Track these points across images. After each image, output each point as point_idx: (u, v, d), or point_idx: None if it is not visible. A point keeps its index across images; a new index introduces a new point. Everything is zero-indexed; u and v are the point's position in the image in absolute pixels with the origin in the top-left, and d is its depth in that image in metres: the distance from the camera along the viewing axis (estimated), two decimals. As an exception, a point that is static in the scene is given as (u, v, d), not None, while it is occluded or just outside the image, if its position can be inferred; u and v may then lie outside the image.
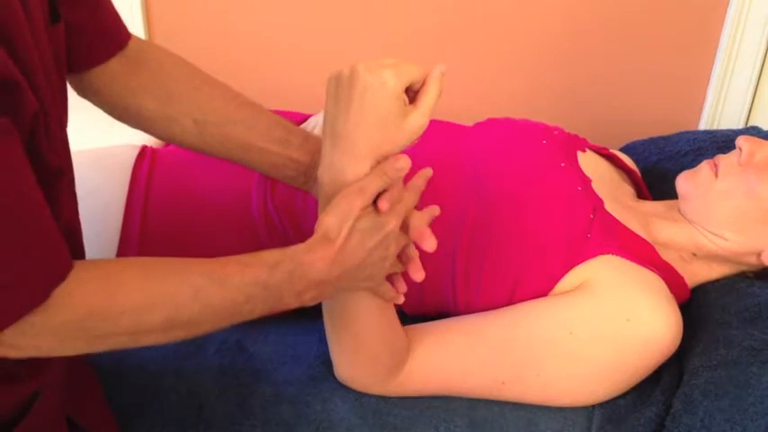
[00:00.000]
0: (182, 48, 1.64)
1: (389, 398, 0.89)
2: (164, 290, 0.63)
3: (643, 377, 0.89)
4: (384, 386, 0.88)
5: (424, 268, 0.95)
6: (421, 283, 0.96)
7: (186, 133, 0.81)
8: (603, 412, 0.89)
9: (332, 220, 0.71)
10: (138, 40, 0.81)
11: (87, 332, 0.60)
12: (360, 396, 0.89)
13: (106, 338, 0.61)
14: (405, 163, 0.73)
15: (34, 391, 0.70)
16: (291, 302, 0.70)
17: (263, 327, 1.00)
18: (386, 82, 0.70)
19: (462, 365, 0.88)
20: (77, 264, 0.59)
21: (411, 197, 0.77)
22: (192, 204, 1.00)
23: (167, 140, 0.85)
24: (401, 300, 0.83)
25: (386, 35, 1.62)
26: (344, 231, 0.71)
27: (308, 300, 0.71)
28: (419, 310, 0.99)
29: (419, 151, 1.02)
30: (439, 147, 1.04)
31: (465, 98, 1.66)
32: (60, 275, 0.57)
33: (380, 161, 0.74)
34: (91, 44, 0.72)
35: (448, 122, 1.12)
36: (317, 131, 1.07)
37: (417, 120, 0.73)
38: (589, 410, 0.89)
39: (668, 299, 0.90)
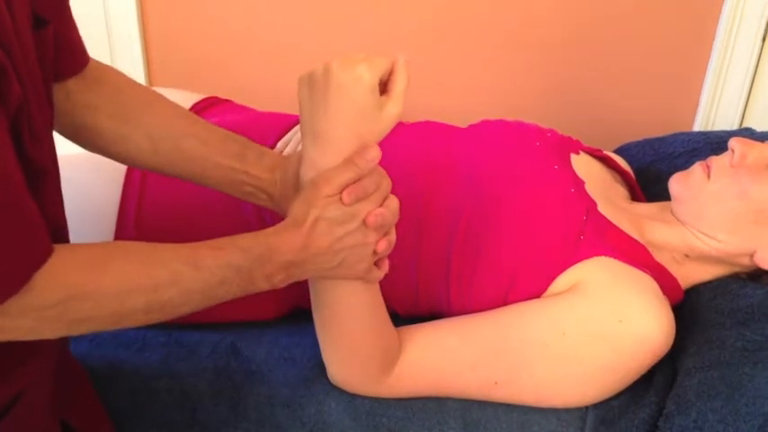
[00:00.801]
0: (177, 48, 1.65)
1: (383, 399, 0.90)
2: (145, 274, 0.64)
3: (635, 378, 0.90)
4: (376, 386, 0.89)
5: (418, 269, 0.96)
6: (415, 284, 0.96)
7: (141, 151, 0.82)
8: (597, 413, 0.89)
9: (299, 207, 0.74)
10: (96, 62, 0.82)
11: (69, 315, 0.61)
12: (353, 398, 0.89)
13: (87, 321, 0.62)
14: (375, 153, 0.74)
15: (15, 392, 0.71)
16: (263, 285, 0.73)
17: (257, 329, 1.00)
18: (361, 77, 0.71)
19: (455, 365, 0.88)
20: (58, 248, 0.59)
21: (388, 184, 0.78)
22: (185, 206, 1.00)
23: (123, 160, 0.85)
24: (385, 271, 0.83)
25: (381, 37, 1.62)
26: (310, 218, 0.73)
27: (277, 282, 0.73)
28: (412, 311, 0.99)
29: (413, 152, 1.03)
30: (432, 148, 1.05)
31: (458, 99, 1.66)
32: (41, 259, 0.57)
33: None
34: (55, 59, 0.73)
35: (441, 123, 1.13)
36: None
37: (393, 109, 0.74)
38: (582, 412, 0.90)
39: (660, 300, 0.90)
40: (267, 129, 1.08)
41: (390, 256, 0.82)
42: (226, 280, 0.69)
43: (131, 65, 1.65)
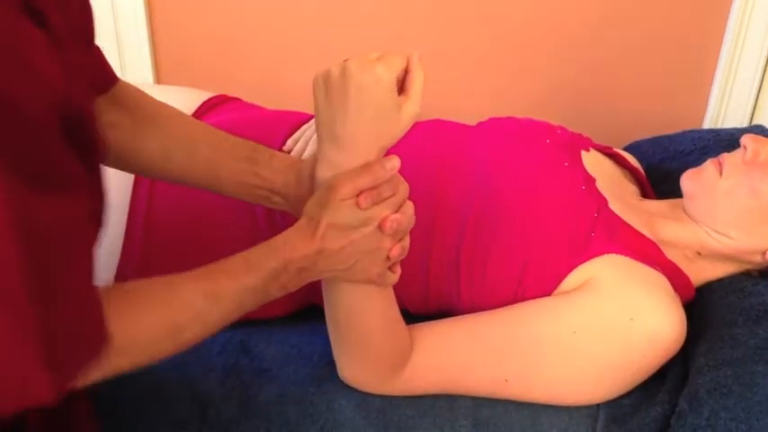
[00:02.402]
0: (186, 46, 1.65)
1: (394, 398, 0.89)
2: (171, 320, 0.64)
3: (647, 376, 0.89)
4: (387, 385, 0.88)
5: (429, 268, 0.96)
6: (426, 283, 0.96)
7: (153, 162, 0.82)
8: (608, 412, 0.89)
9: (313, 208, 0.74)
10: (123, 83, 0.82)
11: (105, 369, 0.59)
12: (364, 396, 0.89)
13: (117, 371, 0.62)
14: (395, 163, 0.74)
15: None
16: (277, 294, 0.73)
17: (266, 327, 1.00)
18: (380, 77, 0.71)
19: (465, 363, 0.88)
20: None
21: (405, 189, 0.78)
22: (194, 210, 1.00)
23: (135, 171, 0.85)
24: (398, 276, 0.83)
25: (388, 36, 1.62)
26: (324, 220, 0.73)
27: (291, 287, 0.74)
28: (423, 310, 0.99)
29: (423, 150, 1.03)
30: (442, 146, 1.04)
31: (467, 97, 1.66)
32: (105, 324, 0.56)
33: (379, 154, 0.75)
34: None
35: (451, 122, 1.12)
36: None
37: (411, 109, 0.74)
38: (594, 410, 0.89)
39: (672, 298, 0.90)
40: (275, 127, 1.08)
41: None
42: (244, 303, 0.70)
43: (140, 63, 1.65)
